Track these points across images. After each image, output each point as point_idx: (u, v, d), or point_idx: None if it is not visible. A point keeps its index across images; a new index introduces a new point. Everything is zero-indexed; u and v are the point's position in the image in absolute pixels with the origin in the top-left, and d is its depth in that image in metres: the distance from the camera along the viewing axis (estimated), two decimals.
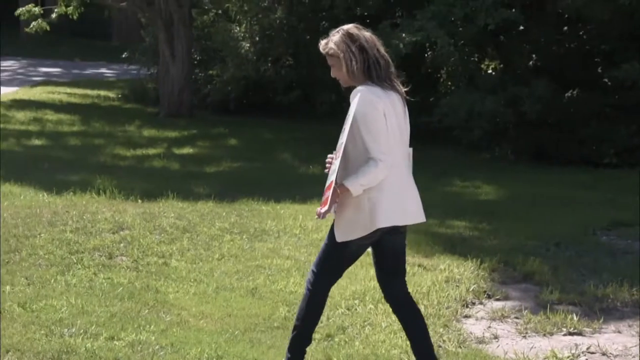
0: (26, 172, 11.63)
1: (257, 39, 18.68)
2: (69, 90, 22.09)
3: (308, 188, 11.42)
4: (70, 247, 7.86)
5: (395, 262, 5.23)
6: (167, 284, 7.10)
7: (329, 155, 5.09)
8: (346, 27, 5.05)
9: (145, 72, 21.14)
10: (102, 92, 21.90)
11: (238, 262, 7.83)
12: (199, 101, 19.49)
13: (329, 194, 4.88)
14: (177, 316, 6.38)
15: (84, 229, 8.46)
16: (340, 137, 4.95)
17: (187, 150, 14.77)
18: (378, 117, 4.83)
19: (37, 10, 19.84)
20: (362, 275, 7.48)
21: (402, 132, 5.03)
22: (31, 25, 20.13)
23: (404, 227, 5.13)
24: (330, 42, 5.03)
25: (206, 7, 20.46)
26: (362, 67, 4.94)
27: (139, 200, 10.00)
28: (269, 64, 18.79)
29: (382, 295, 5.41)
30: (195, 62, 19.66)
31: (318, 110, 18.04)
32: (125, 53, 21.87)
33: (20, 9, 20.20)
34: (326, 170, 5.07)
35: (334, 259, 5.19)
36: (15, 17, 21.18)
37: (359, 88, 4.91)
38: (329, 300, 6.83)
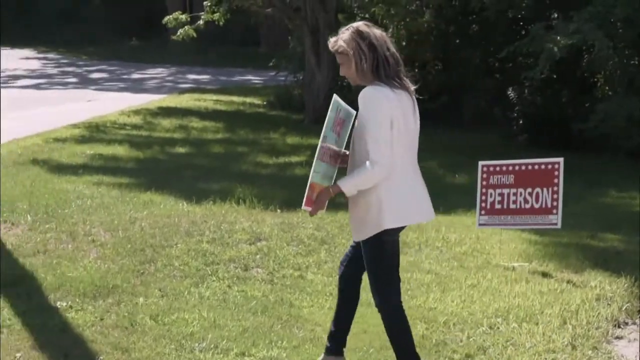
0: (168, 181, 11.75)
1: (404, 43, 18.51)
2: (215, 97, 22.40)
3: (453, 198, 11.18)
4: (205, 259, 7.84)
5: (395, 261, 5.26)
6: (302, 297, 6.99)
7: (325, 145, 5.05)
8: (356, 24, 5.09)
9: (292, 79, 21.24)
10: (248, 99, 22.13)
11: None
12: None
13: (312, 194, 5.00)
14: (311, 332, 6.26)
15: (220, 240, 8.43)
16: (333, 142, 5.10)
17: None
18: (382, 119, 4.87)
19: (184, 17, 20.19)
20: (506, 291, 7.22)
21: (410, 131, 5.08)
22: (178, 33, 20.53)
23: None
24: (340, 40, 5.05)
25: (352, 12, 20.40)
26: (372, 65, 4.96)
27: (278, 210, 9.95)
28: (416, 69, 18.56)
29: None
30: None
31: (466, 116, 17.73)
32: (273, 60, 22.04)
33: (168, 17, 20.61)
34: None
35: (379, 266, 5.15)
36: (163, 25, 21.62)
37: (366, 89, 4.92)
38: (469, 317, 6.66)
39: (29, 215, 9.17)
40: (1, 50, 30.01)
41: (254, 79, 27.78)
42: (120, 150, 14.39)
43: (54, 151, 13.90)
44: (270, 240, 8.50)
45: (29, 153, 13.55)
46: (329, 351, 5.60)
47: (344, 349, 5.64)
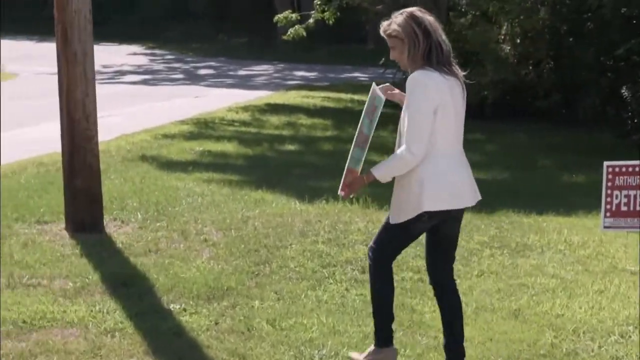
0: (278, 178, 11.55)
1: (518, 41, 18.05)
2: (323, 94, 22.21)
3: (572, 199, 10.78)
4: (322, 260, 7.60)
5: (447, 249, 5.39)
6: (423, 302, 6.70)
7: None
8: (409, 9, 5.08)
9: (400, 76, 20.88)
10: (357, 96, 21.86)
11: (499, 280, 7.35)
12: None
13: (347, 179, 5.27)
14: (434, 339, 5.97)
15: (336, 240, 8.19)
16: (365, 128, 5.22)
17: None
18: (424, 106, 4.92)
19: (294, 16, 20.04)
20: (635, 298, 6.82)
21: (458, 116, 5.10)
22: (288, 32, 20.39)
23: (460, 213, 5.27)
24: (394, 24, 5.05)
25: (463, 9, 19.98)
26: (424, 50, 4.97)
27: None
28: (530, 67, 18.13)
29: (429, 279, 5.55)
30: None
31: (580, 115, 17.24)
32: (382, 59, 21.72)
33: (278, 15, 20.47)
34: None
35: (394, 239, 5.33)
36: (270, 22, 21.52)
37: (415, 73, 4.96)
38: (598, 325, 6.31)
39: (139, 213, 9.08)
40: (108, 46, 30.39)
41: (361, 76, 27.52)
42: (229, 147, 14.28)
43: (162, 147, 13.86)
44: None
45: (138, 149, 13.52)
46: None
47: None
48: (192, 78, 25.57)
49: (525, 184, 12.26)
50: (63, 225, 8.59)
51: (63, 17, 8.35)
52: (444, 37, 5.05)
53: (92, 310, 6.28)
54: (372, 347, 5.47)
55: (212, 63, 29.80)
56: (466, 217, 9.19)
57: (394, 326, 5.62)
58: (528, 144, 15.97)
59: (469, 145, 15.41)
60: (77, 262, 7.45)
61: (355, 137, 5.25)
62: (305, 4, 27.54)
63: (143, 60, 30.53)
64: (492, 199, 10.51)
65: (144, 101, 19.99)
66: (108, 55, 27.79)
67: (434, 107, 4.94)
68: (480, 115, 18.54)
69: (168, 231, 8.48)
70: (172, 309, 6.37)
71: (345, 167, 5.23)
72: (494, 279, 7.35)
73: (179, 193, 10.21)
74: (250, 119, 17.71)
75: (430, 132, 4.96)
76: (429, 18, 5.04)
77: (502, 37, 18.24)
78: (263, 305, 6.46)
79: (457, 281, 5.62)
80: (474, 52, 18.57)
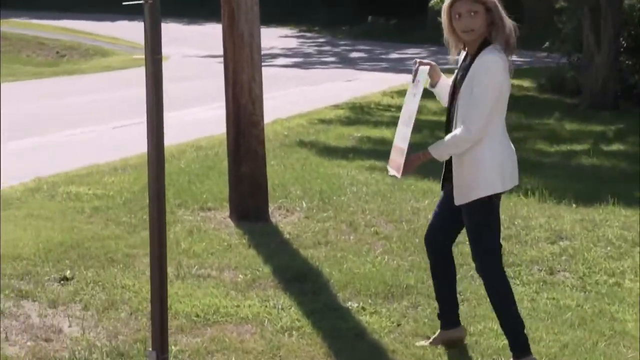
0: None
1: None
2: None
3: None
4: (505, 258, 7.12)
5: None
6: (623, 309, 6.19)
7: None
8: None
9: (565, 61, 20.14)
10: (516, 82, 21.19)
11: None
12: (625, 92, 18.20)
13: (397, 157, 5.18)
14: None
15: (517, 237, 7.74)
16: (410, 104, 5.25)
17: (616, 146, 13.65)
18: (493, 89, 4.90)
19: None
20: None
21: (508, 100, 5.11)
22: None
23: None
24: None
25: None
26: (510, 30, 4.96)
27: (573, 205, 9.10)
28: None
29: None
30: (622, 49, 18.37)
31: None
32: (547, 43, 21.01)
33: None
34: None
35: (486, 230, 5.15)
36: (422, 4, 21.19)
37: (492, 55, 4.88)
38: None
39: (303, 202, 8.81)
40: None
41: (518, 60, 26.77)
42: (387, 133, 13.87)
43: (320, 133, 13.60)
44: (573, 239, 7.72)
45: (295, 134, 13.31)
46: (444, 326, 5.46)
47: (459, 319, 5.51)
48: (345, 61, 25.34)
49: None
50: (227, 212, 8.39)
51: None
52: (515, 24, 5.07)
53: (266, 306, 6.00)
54: None
55: (363, 46, 29.51)
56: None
57: (593, 336, 5.14)
58: None
59: None
60: (245, 253, 7.21)
61: (401, 114, 5.34)
62: None
63: (293, 43, 30.46)
64: None
65: (297, 84, 19.82)
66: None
67: (500, 90, 4.97)
68: None
69: (336, 222, 8.19)
70: (350, 308, 6.04)
71: (393, 145, 5.30)
72: None
73: (342, 181, 9.91)
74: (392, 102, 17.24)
75: (491, 113, 4.97)
76: None
77: None
78: None
79: None
80: None
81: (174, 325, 5.60)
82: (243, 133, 8.26)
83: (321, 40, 31.73)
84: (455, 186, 5.12)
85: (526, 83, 20.91)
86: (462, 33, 5.02)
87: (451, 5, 5.03)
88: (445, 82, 5.35)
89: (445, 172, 5.28)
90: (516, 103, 17.71)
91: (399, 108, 16.53)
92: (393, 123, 14.74)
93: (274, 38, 31.08)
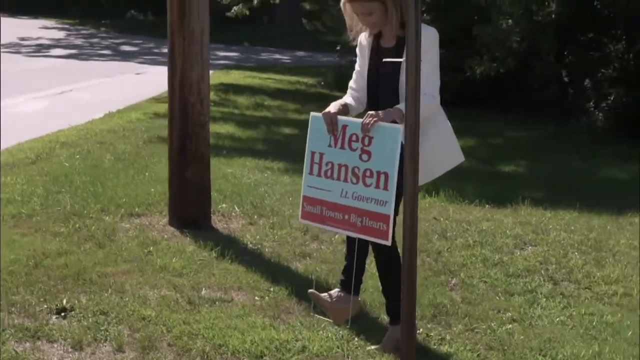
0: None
1: None
2: (264, 75, 20.74)
3: None
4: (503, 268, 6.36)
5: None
6: None
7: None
8: None
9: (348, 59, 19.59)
10: (302, 79, 20.55)
11: None
12: None
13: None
14: None
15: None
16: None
17: None
18: (438, 60, 4.58)
19: None
20: None
21: None
22: (232, 10, 19.33)
23: None
24: None
25: None
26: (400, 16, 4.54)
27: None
28: None
29: None
30: None
31: None
32: (339, 46, 20.34)
33: None
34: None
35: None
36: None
37: (432, 29, 4.52)
38: None
39: (235, 206, 7.68)
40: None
41: (283, 58, 26.18)
42: (230, 129, 12.81)
43: (162, 128, 12.20)
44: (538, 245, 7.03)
45: (147, 129, 11.91)
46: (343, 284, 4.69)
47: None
48: (121, 54, 23.75)
49: None
50: (159, 218, 7.23)
51: None
52: None
53: (335, 337, 4.87)
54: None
55: (132, 40, 27.86)
56: None
57: None
58: None
59: None
60: (229, 267, 6.07)
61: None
62: None
63: (59, 35, 28.34)
64: None
65: (92, 77, 18.01)
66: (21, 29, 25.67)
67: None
68: None
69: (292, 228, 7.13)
70: None
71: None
72: None
73: (245, 181, 8.81)
74: (219, 99, 16.10)
75: None
76: None
77: None
78: None
79: None
80: None
81: None
82: (190, 136, 7.03)
83: (85, 32, 29.68)
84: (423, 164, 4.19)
85: (312, 81, 20.31)
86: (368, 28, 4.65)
87: (345, 4, 4.61)
88: (349, 100, 4.65)
89: None
90: (306, 97, 17.13)
91: (214, 103, 15.44)
92: (230, 119, 13.69)
93: (35, 29, 28.79)
